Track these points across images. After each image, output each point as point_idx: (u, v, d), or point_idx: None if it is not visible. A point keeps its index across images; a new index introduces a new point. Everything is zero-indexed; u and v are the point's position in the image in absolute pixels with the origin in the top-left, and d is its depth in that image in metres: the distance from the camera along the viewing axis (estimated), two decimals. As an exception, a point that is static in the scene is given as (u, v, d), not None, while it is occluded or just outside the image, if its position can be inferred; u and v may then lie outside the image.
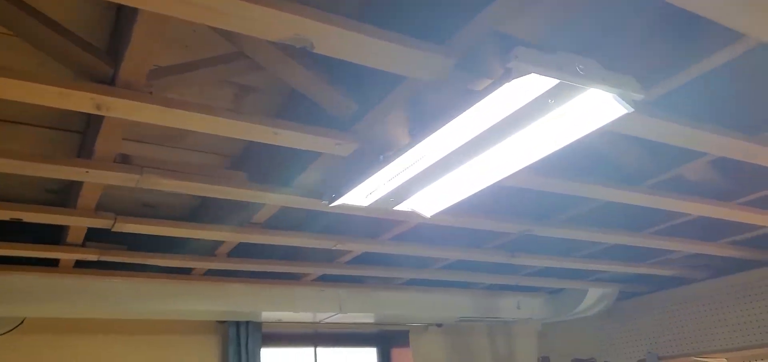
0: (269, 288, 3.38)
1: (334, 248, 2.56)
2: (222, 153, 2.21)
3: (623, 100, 1.35)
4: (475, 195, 2.52)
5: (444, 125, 1.36)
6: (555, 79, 1.22)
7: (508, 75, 1.14)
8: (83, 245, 2.36)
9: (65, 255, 2.39)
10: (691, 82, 1.41)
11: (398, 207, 2.02)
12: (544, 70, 1.17)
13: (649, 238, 2.85)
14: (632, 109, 1.36)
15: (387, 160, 1.55)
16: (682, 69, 1.36)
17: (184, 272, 3.07)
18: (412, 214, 2.14)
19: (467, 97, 1.25)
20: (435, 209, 2.09)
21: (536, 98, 1.29)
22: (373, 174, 1.63)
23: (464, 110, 1.28)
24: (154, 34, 1.04)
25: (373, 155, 1.55)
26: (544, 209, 2.60)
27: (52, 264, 2.65)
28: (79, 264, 2.71)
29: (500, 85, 1.17)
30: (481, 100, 1.23)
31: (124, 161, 1.57)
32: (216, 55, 1.40)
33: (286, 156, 1.93)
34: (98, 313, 3.05)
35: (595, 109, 1.38)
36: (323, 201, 1.90)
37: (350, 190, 1.77)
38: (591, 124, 1.44)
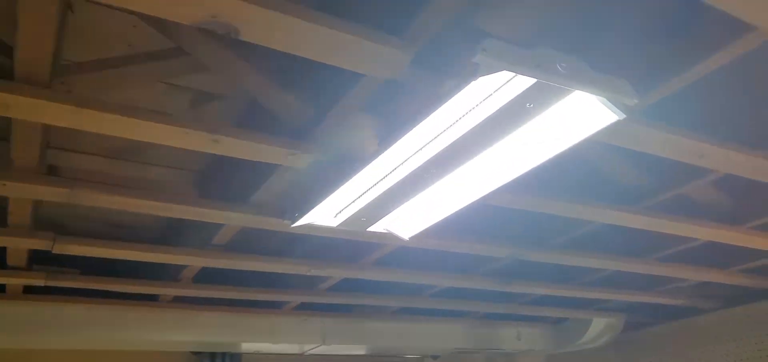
0: (245, 318, 3.20)
1: (309, 274, 2.39)
2: (186, 168, 2.07)
3: (614, 105, 1.20)
4: (463, 216, 2.37)
5: (408, 133, 1.22)
6: (532, 79, 1.08)
7: (473, 72, 1.00)
8: (29, 268, 2.20)
9: (8, 280, 2.23)
10: (687, 89, 1.27)
11: (372, 229, 1.86)
12: (518, 67, 1.03)
13: (653, 265, 2.68)
14: (624, 116, 1.21)
15: (351, 173, 1.40)
16: (679, 73, 1.22)
17: (151, 299, 2.91)
18: (389, 236, 1.99)
19: (432, 99, 1.10)
20: (413, 230, 1.93)
21: (512, 102, 1.14)
22: (336, 188, 1.48)
23: (428, 114, 1.14)
24: (48, 17, 0.90)
25: (336, 167, 1.40)
26: (538, 232, 2.44)
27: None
28: (30, 291, 2.55)
29: (465, 84, 1.03)
30: (445, 101, 1.09)
31: (52, 173, 1.43)
32: (152, 50, 1.26)
33: (248, 170, 1.78)
34: (51, 343, 2.88)
35: (582, 115, 1.24)
36: (285, 221, 1.74)
37: (313, 208, 1.62)
38: (577, 133, 1.29)
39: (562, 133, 1.29)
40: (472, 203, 1.80)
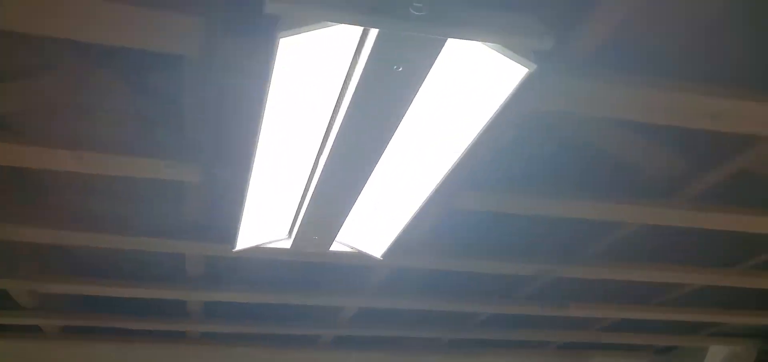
0: (275, 354, 3.18)
1: (295, 303, 2.26)
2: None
3: (517, 53, 0.92)
4: (466, 229, 2.09)
5: (263, 128, 1.05)
6: (373, 28, 0.86)
7: (272, 30, 0.81)
8: (41, 308, 2.38)
9: (17, 320, 2.44)
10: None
11: (334, 249, 1.69)
12: (338, 13, 0.81)
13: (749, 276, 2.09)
14: (534, 66, 0.92)
15: (243, 179, 1.26)
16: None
17: (179, 335, 3.02)
18: (363, 257, 1.79)
19: (260, 79, 0.93)
20: (383, 246, 1.72)
21: (371, 65, 0.92)
22: (241, 200, 1.34)
23: (264, 101, 0.96)
24: None
25: (229, 173, 1.27)
26: (568, 242, 2.04)
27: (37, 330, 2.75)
28: (69, 330, 2.78)
29: (271, 52, 0.84)
30: (270, 78, 0.90)
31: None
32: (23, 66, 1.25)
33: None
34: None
35: (481, 72, 0.97)
36: (228, 245, 1.64)
37: (239, 226, 1.50)
38: (490, 99, 1.01)
39: (464, 101, 1.02)
40: (437, 209, 1.55)
